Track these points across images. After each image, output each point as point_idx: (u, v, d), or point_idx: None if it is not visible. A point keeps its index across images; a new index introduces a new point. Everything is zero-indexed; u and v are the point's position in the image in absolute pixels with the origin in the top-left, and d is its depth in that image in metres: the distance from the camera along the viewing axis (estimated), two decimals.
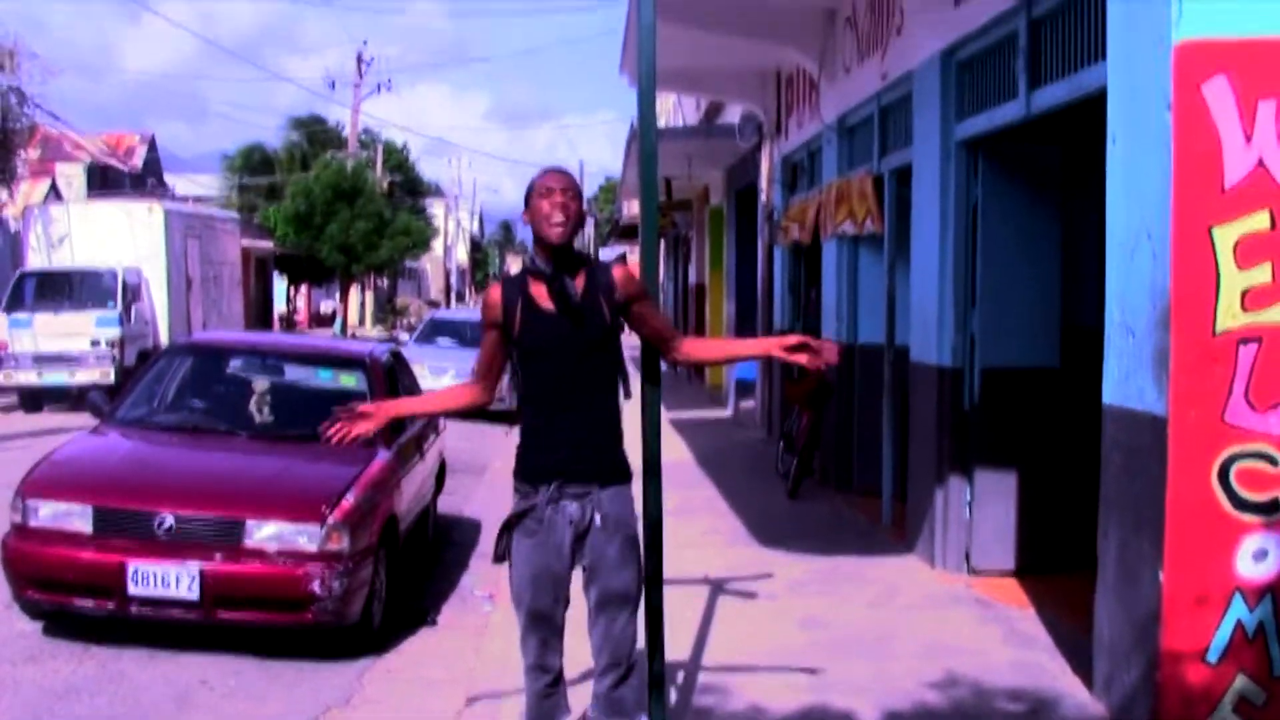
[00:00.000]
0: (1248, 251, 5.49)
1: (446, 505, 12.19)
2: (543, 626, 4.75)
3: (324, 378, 10.04)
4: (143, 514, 7.53)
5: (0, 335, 22.96)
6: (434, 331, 25.36)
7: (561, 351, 4.69)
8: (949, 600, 8.62)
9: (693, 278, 30.78)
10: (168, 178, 60.28)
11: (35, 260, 25.52)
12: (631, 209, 35.32)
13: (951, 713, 6.30)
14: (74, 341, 22.87)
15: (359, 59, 55.98)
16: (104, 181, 49.98)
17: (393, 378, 10.18)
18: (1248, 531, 5.53)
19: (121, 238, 25.51)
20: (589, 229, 57.02)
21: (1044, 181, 9.06)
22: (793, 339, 4.93)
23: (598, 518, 4.70)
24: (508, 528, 4.78)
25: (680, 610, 7.72)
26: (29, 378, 22.93)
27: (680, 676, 6.71)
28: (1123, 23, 6.16)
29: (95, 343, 23.03)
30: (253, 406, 9.41)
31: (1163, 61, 5.66)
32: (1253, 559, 5.54)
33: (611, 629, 4.75)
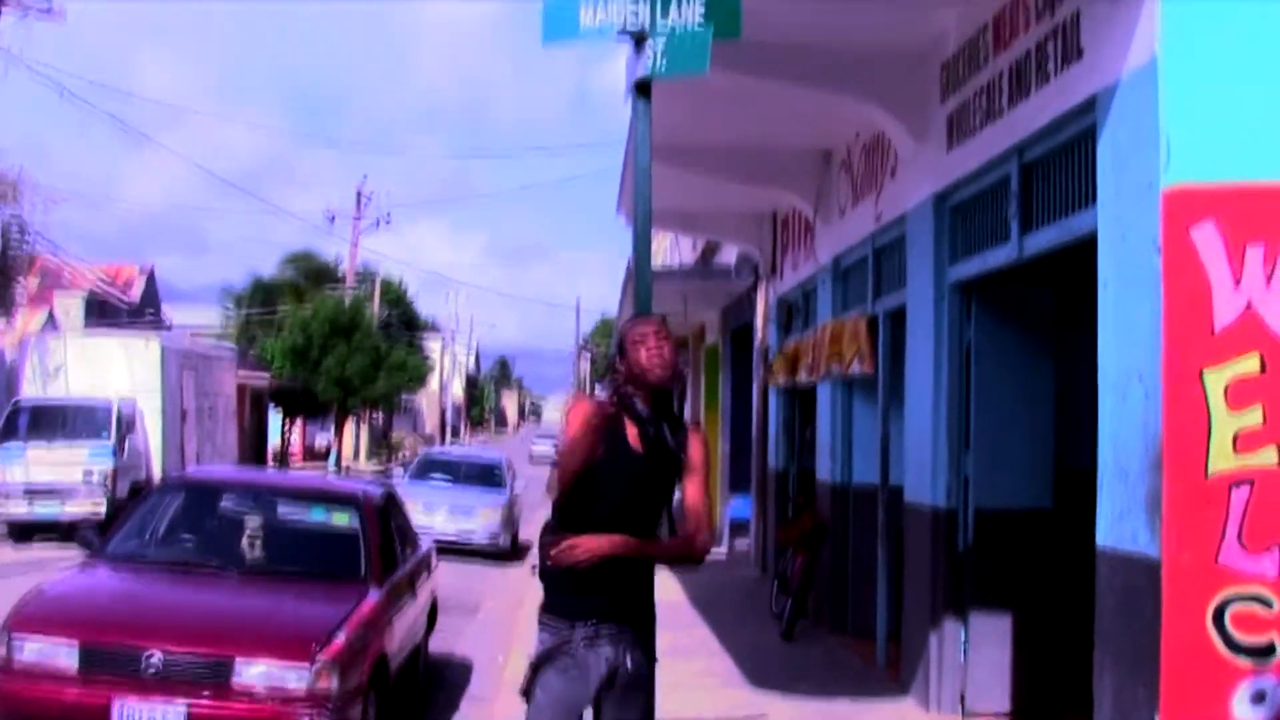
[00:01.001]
0: (1239, 394, 5.54)
1: (438, 644, 12.08)
2: None
3: (317, 516, 10.01)
4: (130, 650, 7.45)
5: None
6: (428, 468, 25.30)
7: (630, 492, 4.77)
8: None
9: (688, 416, 30.81)
10: (166, 309, 60.56)
11: (30, 390, 25.55)
12: None
13: None
14: (66, 473, 22.76)
15: (358, 194, 56.48)
16: (102, 312, 50.19)
17: (385, 517, 10.16)
18: (1244, 676, 5.49)
19: (118, 370, 25.59)
20: (584, 365, 57.27)
21: (1037, 324, 9.15)
22: None
23: (629, 660, 4.78)
24: (538, 665, 4.79)
25: None
26: (20, 509, 22.79)
27: None
28: (1111, 168, 6.29)
29: (88, 474, 22.91)
30: (244, 544, 9.36)
31: (1151, 206, 5.76)
32: (1250, 703, 5.50)
33: None
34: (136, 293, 57.59)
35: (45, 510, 22.77)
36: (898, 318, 10.78)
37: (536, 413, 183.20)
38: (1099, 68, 6.51)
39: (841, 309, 12.78)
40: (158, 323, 51.98)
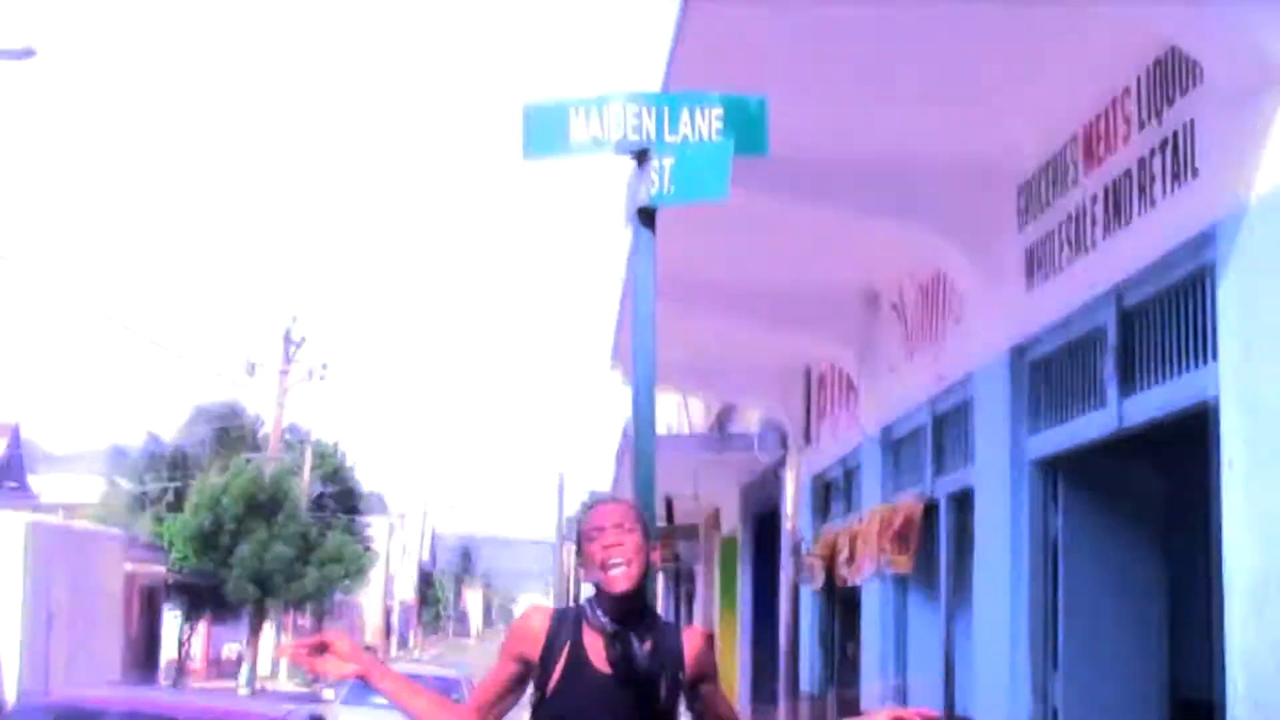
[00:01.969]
0: None
1: None
2: None
3: None
4: None
5: None
6: (367, 687, 24.94)
7: None
8: None
9: (698, 621, 30.54)
10: (32, 479, 60.37)
11: None
12: None
13: None
14: None
15: (286, 338, 56.59)
16: None
17: None
18: None
19: None
20: (568, 556, 56.93)
21: (1143, 509, 9.03)
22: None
23: None
24: None
25: None
26: None
27: None
28: (1237, 316, 6.22)
29: None
30: None
31: None
32: None
33: None
34: None
35: None
36: (963, 501, 10.68)
37: (506, 616, 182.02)
38: (1219, 190, 6.50)
39: (893, 489, 12.70)
40: (22, 495, 51.79)
